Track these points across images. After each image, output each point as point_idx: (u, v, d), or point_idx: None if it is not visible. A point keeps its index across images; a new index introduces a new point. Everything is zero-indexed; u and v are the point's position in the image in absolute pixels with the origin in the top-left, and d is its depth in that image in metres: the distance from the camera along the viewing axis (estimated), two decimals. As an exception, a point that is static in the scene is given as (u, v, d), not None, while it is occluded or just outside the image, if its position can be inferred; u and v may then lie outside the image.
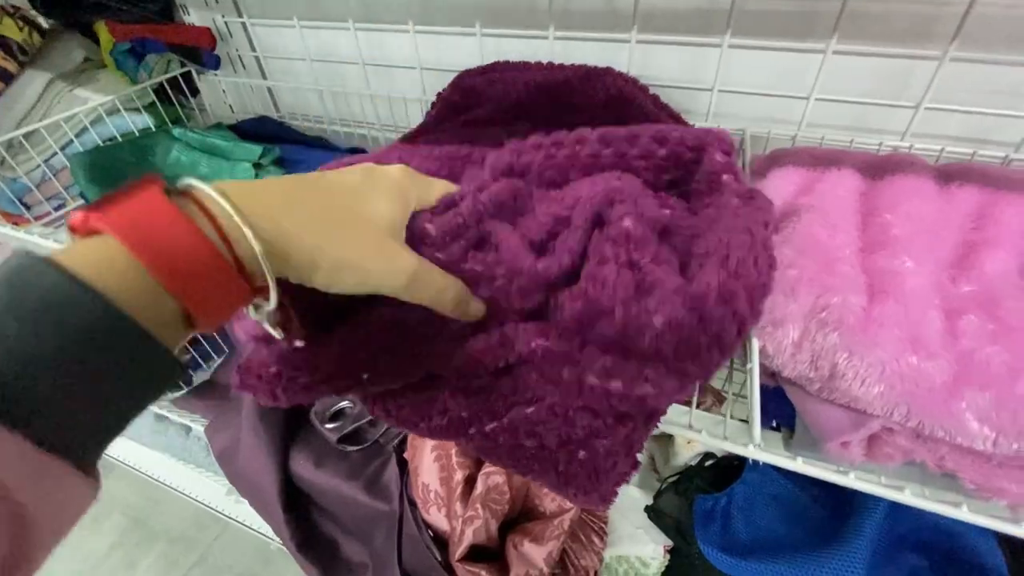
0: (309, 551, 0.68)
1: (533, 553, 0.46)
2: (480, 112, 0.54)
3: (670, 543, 0.55)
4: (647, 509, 0.54)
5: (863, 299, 0.29)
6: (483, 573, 0.45)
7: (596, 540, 0.55)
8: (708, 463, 0.58)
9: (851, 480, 0.30)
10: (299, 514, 0.69)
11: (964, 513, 0.28)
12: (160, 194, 0.18)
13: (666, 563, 0.56)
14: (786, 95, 0.50)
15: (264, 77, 0.81)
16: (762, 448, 0.30)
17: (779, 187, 0.39)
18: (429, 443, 0.55)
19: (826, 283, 0.30)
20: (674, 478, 0.56)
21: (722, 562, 0.47)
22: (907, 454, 0.28)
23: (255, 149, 0.60)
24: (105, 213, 0.18)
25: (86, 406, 0.17)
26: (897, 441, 0.28)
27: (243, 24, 0.75)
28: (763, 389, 0.29)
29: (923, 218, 0.34)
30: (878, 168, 0.39)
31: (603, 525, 0.57)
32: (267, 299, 0.21)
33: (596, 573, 0.54)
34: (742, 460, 0.55)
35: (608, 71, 0.51)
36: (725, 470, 0.56)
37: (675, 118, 0.50)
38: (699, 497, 0.52)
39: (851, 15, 0.44)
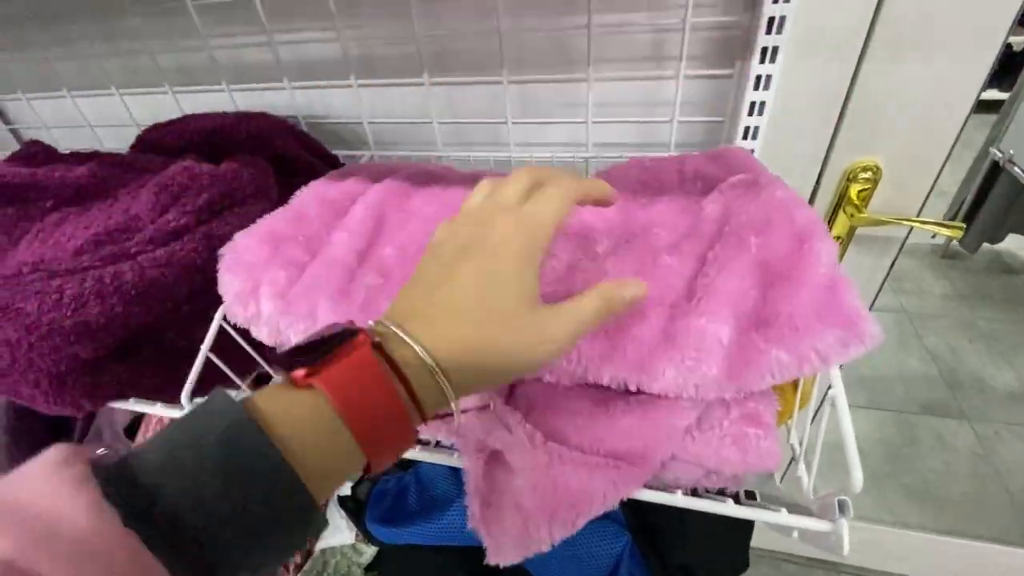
0: None
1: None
2: (156, 154, 0.60)
3: (375, 528, 0.60)
4: (339, 499, 0.59)
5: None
6: None
7: (302, 536, 0.59)
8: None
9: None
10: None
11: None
12: (369, 355, 0.21)
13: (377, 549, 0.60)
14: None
15: (26, 147, 0.85)
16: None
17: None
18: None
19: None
20: (377, 467, 0.61)
21: (379, 532, 0.52)
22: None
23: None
24: (323, 376, 0.20)
25: (247, 558, 0.18)
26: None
27: (-11, 100, 0.80)
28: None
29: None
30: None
31: (314, 521, 0.61)
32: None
33: (298, 566, 0.58)
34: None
35: (260, 115, 0.59)
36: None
37: (309, 147, 0.58)
38: (381, 478, 0.57)
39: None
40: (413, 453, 0.39)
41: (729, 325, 0.26)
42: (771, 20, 0.43)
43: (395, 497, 0.56)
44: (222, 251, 0.34)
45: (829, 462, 0.27)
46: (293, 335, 0.31)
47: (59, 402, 0.32)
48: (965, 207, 1.61)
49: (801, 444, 0.27)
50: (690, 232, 0.33)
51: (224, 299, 0.33)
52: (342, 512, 0.60)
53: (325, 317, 0.30)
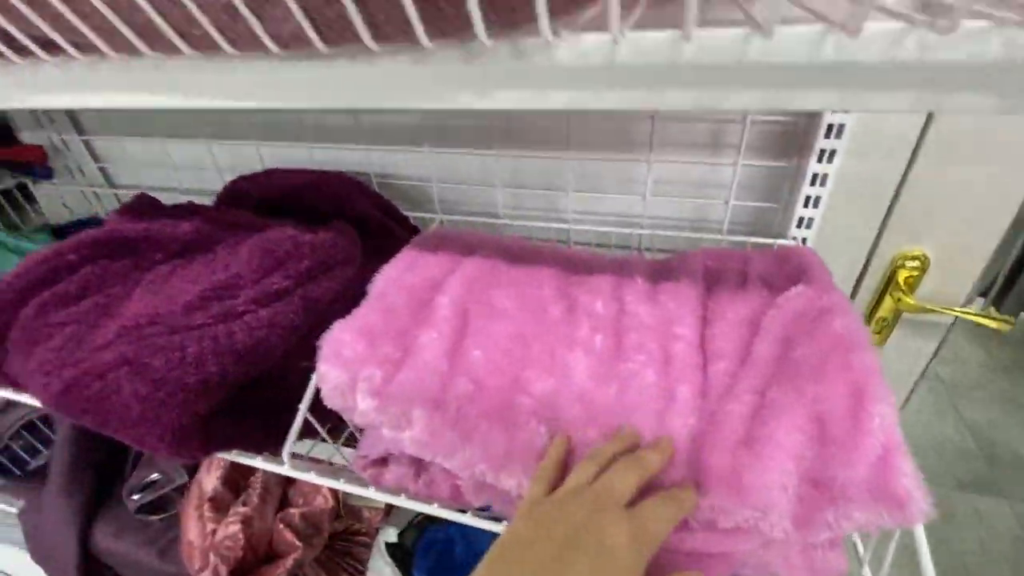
0: (110, 624, 0.70)
1: (253, 591, 0.52)
2: (245, 207, 0.65)
3: (418, 576, 0.61)
4: (387, 545, 0.60)
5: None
6: (202, 614, 0.51)
7: (347, 580, 0.61)
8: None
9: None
10: (100, 587, 0.71)
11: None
12: None
13: (419, 597, 0.62)
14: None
15: (112, 185, 0.93)
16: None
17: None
18: (193, 501, 0.61)
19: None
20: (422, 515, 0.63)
21: (427, 584, 0.54)
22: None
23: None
24: None
25: None
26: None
27: (84, 140, 0.88)
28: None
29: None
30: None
31: (359, 566, 0.62)
32: None
33: (342, 612, 0.59)
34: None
35: (339, 176, 0.64)
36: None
37: (384, 208, 0.63)
38: (429, 528, 0.59)
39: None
40: (462, 518, 0.41)
41: (794, 479, 0.28)
42: (830, 127, 0.46)
43: (442, 549, 0.58)
44: (320, 342, 0.37)
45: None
46: (386, 431, 0.34)
47: (180, 453, 0.35)
48: (1002, 275, 1.60)
49: (865, 549, 0.29)
50: (745, 357, 0.35)
51: (322, 388, 0.36)
52: (388, 559, 0.61)
53: (420, 424, 0.34)
